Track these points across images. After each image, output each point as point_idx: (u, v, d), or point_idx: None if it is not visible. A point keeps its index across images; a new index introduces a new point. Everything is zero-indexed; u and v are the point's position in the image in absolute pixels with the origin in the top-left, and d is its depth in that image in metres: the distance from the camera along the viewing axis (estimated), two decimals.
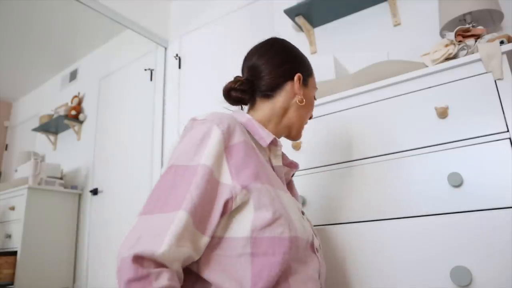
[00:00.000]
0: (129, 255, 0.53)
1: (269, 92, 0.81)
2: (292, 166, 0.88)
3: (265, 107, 0.82)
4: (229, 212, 0.63)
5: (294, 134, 0.86)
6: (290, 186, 0.89)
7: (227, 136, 0.67)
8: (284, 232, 0.63)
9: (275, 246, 0.62)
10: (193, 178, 0.61)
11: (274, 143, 0.78)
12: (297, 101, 0.82)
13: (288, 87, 0.82)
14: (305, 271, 0.68)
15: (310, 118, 0.90)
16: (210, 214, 0.61)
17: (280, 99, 0.81)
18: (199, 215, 0.59)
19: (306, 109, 0.85)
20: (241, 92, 0.82)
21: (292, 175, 0.90)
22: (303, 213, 0.80)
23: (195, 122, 0.69)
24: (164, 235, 0.55)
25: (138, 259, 0.53)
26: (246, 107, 0.86)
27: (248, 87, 0.82)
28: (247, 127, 0.77)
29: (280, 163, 0.81)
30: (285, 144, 1.26)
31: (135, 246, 0.54)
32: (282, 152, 0.85)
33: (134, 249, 0.53)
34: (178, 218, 0.57)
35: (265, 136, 0.76)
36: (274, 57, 0.83)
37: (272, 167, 0.79)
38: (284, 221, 0.64)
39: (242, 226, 0.63)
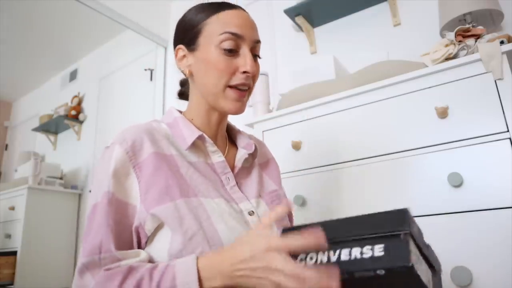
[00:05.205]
0: None
1: (187, 78, 0.74)
2: (246, 148, 0.76)
3: (190, 98, 0.75)
4: (145, 239, 0.61)
5: (223, 111, 0.70)
6: (249, 170, 0.77)
7: (133, 154, 0.62)
8: (204, 252, 0.56)
9: None
10: (99, 216, 0.58)
11: (203, 140, 0.70)
12: (187, 75, 0.71)
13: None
14: None
15: (245, 73, 0.67)
16: (131, 240, 0.60)
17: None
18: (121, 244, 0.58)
19: (206, 76, 0.68)
20: (181, 85, 0.80)
21: (255, 156, 0.79)
22: (251, 213, 0.67)
23: (104, 151, 0.65)
24: None
25: None
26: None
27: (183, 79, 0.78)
28: (172, 128, 0.71)
29: (221, 159, 0.71)
30: (285, 144, 1.26)
31: None
32: (239, 132, 0.80)
33: None
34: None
35: (187, 136, 0.68)
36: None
37: (212, 164, 0.71)
38: (201, 238, 0.57)
39: (161, 252, 0.59)
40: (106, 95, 3.23)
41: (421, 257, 0.44)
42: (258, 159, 0.82)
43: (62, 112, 3.37)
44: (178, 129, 0.70)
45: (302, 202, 1.17)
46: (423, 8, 1.60)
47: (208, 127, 0.73)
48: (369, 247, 0.42)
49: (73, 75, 3.69)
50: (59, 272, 2.77)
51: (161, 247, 0.59)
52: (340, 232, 0.46)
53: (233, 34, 0.66)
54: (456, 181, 0.92)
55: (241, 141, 0.78)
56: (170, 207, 0.59)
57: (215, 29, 0.67)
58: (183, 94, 0.81)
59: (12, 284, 2.45)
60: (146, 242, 0.61)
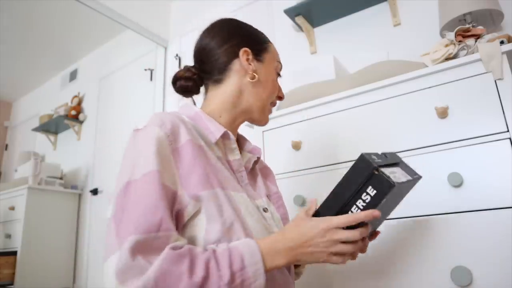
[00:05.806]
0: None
1: (218, 76, 0.76)
2: (253, 152, 0.81)
3: (216, 95, 0.76)
4: (181, 225, 0.59)
5: (256, 118, 0.79)
6: (253, 173, 0.82)
7: (173, 138, 0.62)
8: (241, 239, 0.59)
9: None
10: (146, 193, 0.55)
11: (226, 137, 0.73)
12: (249, 79, 0.74)
13: (236, 66, 0.75)
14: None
15: (280, 98, 0.84)
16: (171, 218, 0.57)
17: (230, 81, 0.75)
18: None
19: (263, 87, 0.77)
20: (185, 80, 0.77)
21: (256, 162, 0.83)
22: (265, 210, 0.73)
23: (136, 132, 0.64)
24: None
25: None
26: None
27: (193, 73, 0.77)
28: (195, 121, 0.72)
29: (238, 157, 0.75)
30: (285, 144, 1.26)
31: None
32: (244, 138, 0.83)
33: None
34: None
35: (214, 131, 0.71)
36: (217, 36, 0.77)
37: (229, 161, 0.73)
38: (239, 227, 0.60)
39: (194, 239, 0.58)
40: (106, 95, 3.23)
41: (393, 168, 0.62)
42: (258, 164, 0.87)
43: (62, 112, 3.38)
44: (202, 123, 0.72)
45: (302, 202, 1.17)
46: (423, 8, 1.61)
47: (230, 127, 0.76)
48: (364, 194, 0.58)
49: (73, 75, 3.69)
50: (59, 272, 2.78)
51: (194, 234, 0.58)
52: (339, 201, 0.60)
53: (281, 66, 0.84)
54: (456, 181, 0.92)
55: (246, 146, 0.82)
56: (211, 194, 0.60)
57: (274, 55, 0.82)
58: (186, 90, 0.79)
59: (12, 284, 2.46)
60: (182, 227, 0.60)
